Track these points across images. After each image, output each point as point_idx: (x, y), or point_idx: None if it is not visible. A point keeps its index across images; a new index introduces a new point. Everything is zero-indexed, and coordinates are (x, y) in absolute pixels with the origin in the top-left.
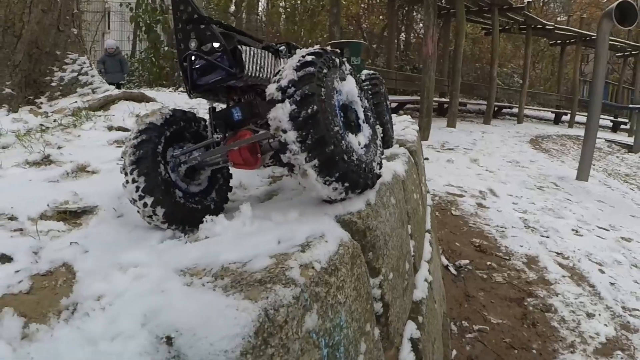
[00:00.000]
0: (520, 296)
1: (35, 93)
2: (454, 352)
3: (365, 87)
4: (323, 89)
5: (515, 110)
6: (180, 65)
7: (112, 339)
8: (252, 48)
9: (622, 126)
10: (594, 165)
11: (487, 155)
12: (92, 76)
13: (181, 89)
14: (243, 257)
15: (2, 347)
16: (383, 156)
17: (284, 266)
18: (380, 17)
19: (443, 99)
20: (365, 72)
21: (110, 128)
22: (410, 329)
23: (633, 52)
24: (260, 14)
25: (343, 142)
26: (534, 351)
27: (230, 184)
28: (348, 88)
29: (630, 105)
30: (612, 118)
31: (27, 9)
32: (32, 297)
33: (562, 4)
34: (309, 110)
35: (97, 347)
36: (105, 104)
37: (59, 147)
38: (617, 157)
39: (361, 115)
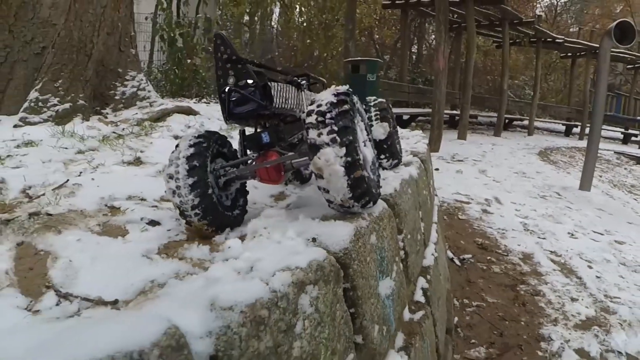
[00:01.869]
0: (514, 283)
1: (101, 105)
2: (456, 319)
3: (373, 113)
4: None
5: (526, 122)
6: (219, 96)
7: (287, 240)
8: (279, 83)
9: (633, 138)
10: (600, 176)
11: (495, 166)
12: (149, 91)
13: (204, 100)
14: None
15: (203, 254)
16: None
17: (362, 213)
18: (392, 28)
19: (454, 112)
20: (371, 99)
21: (175, 137)
22: (422, 282)
23: None
24: (274, 26)
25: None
26: (522, 323)
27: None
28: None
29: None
30: (623, 130)
31: (96, 32)
32: (193, 242)
33: (575, 15)
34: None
35: (280, 244)
36: (162, 116)
37: (142, 151)
38: (625, 168)
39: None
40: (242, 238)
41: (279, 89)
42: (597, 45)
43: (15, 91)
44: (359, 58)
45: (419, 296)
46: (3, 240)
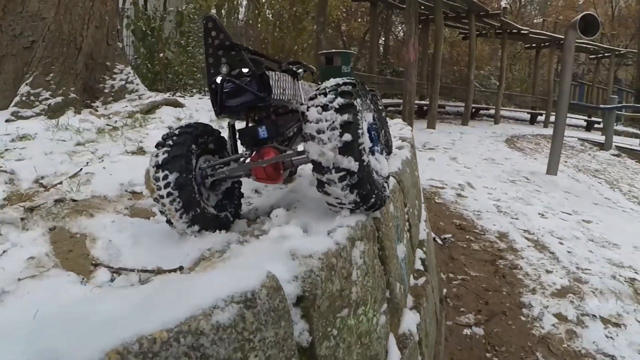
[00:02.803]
0: (493, 258)
1: (91, 98)
2: (445, 291)
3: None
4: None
5: (493, 111)
6: (209, 87)
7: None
8: (277, 72)
9: (596, 125)
10: (566, 162)
11: (465, 153)
12: (137, 84)
13: (179, 93)
14: None
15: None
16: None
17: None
18: (359, 20)
19: (423, 102)
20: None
21: (170, 128)
22: (420, 253)
23: (606, 55)
24: (241, 19)
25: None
26: (504, 292)
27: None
28: (369, 117)
29: (602, 106)
30: (586, 118)
31: (85, 25)
32: None
33: (539, 7)
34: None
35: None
36: (151, 108)
37: (141, 142)
38: (589, 154)
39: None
40: (287, 208)
41: (277, 78)
42: (561, 36)
43: (4, 86)
44: (333, 50)
45: (418, 265)
46: (33, 227)
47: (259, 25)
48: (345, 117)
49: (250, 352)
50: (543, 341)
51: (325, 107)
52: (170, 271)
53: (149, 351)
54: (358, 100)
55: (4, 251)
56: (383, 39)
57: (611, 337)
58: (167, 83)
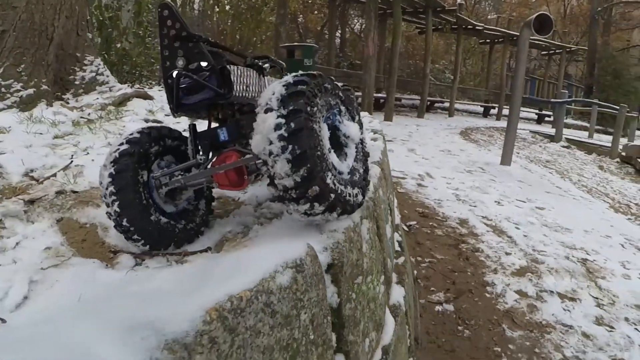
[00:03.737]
0: (456, 243)
1: (61, 90)
2: (415, 272)
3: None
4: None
5: (447, 104)
6: (165, 83)
7: None
8: (239, 67)
9: (547, 118)
10: (518, 153)
11: (422, 145)
12: (107, 76)
13: (137, 86)
14: None
15: None
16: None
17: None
18: (315, 12)
19: (379, 95)
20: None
21: (146, 120)
22: (396, 235)
23: (557, 51)
24: (197, 9)
25: (332, 177)
26: (469, 273)
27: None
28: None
29: (552, 100)
30: (537, 111)
31: (57, 15)
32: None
33: (493, 3)
34: (304, 167)
35: None
36: (123, 100)
37: (120, 134)
38: (540, 146)
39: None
40: None
41: (239, 73)
42: (515, 33)
43: None
44: (295, 43)
45: (396, 246)
46: (38, 219)
47: (216, 16)
48: (293, 125)
49: (301, 309)
50: (507, 314)
51: (269, 110)
52: (199, 252)
53: (237, 307)
54: (315, 90)
55: (17, 243)
56: (339, 31)
57: (568, 310)
58: (124, 74)
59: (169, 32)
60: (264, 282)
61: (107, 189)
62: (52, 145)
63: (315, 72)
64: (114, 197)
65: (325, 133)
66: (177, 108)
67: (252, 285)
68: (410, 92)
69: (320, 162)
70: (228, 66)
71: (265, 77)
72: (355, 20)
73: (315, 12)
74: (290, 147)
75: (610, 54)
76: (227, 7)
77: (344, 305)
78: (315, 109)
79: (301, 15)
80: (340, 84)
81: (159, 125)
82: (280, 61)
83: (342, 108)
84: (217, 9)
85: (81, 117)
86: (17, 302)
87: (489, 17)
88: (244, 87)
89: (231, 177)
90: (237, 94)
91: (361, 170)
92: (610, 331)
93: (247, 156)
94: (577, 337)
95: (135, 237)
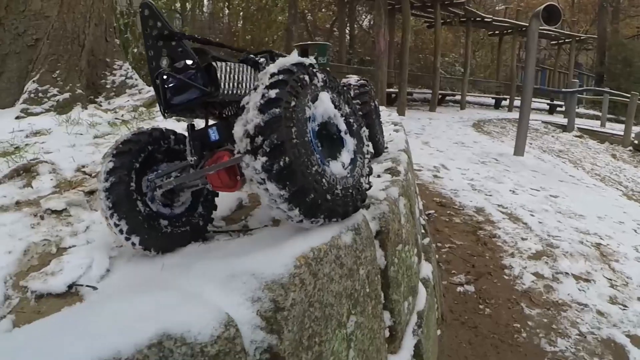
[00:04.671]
0: (474, 230)
1: (94, 94)
2: (436, 256)
3: (355, 94)
4: (294, 129)
5: (458, 97)
6: (153, 84)
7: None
8: (228, 63)
9: (558, 109)
10: (531, 143)
11: (436, 138)
12: (136, 79)
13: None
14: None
15: None
16: (371, 162)
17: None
18: (323, 10)
19: (391, 89)
20: (354, 78)
21: (178, 120)
22: (421, 219)
23: (567, 40)
24: (206, 11)
25: (324, 180)
26: (487, 257)
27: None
28: (322, 108)
29: (564, 90)
30: (548, 101)
31: (87, 23)
32: None
33: None
34: (282, 163)
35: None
36: (152, 102)
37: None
38: (552, 136)
39: (342, 127)
40: None
41: (228, 70)
42: (523, 24)
43: (8, 84)
44: (309, 42)
45: (421, 229)
46: (99, 207)
47: (227, 18)
48: (272, 93)
49: (360, 265)
50: (525, 294)
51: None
52: (261, 227)
53: (317, 257)
54: (301, 78)
55: (86, 227)
56: (348, 28)
57: (583, 290)
58: (142, 78)
59: (151, 32)
60: (334, 239)
61: (103, 203)
62: (95, 144)
63: (304, 62)
64: (115, 220)
65: (312, 127)
66: (166, 109)
67: (327, 240)
68: (421, 86)
69: (302, 156)
70: (215, 63)
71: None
72: (363, 17)
73: (323, 9)
74: (267, 138)
75: (620, 41)
76: (239, 9)
77: (389, 267)
78: (300, 99)
79: (309, 14)
80: (356, 77)
81: (147, 130)
82: (284, 54)
83: (343, 105)
84: (228, 11)
85: (116, 119)
86: (101, 274)
87: (496, 8)
88: (235, 84)
89: (223, 178)
90: (227, 91)
91: (360, 172)
92: (624, 309)
93: (237, 155)
94: (592, 315)
95: (138, 246)
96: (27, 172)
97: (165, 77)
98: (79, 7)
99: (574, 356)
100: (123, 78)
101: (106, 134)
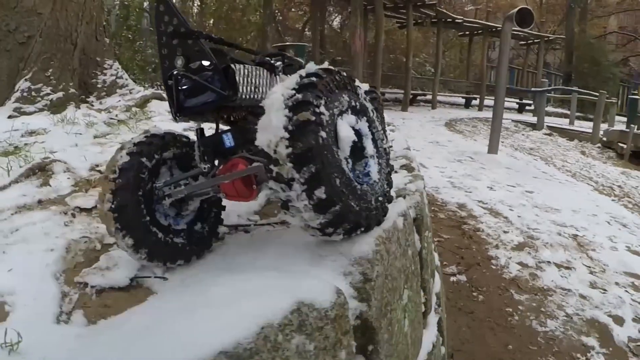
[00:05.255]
0: (458, 224)
1: (85, 93)
2: None
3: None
4: (326, 147)
5: (429, 97)
6: (165, 85)
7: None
8: (246, 66)
9: (528, 107)
10: (502, 142)
11: (411, 138)
12: (126, 79)
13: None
14: None
15: None
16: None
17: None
18: (292, 10)
19: None
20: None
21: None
22: None
23: (535, 41)
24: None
25: (352, 195)
26: (474, 249)
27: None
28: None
29: (533, 89)
30: (518, 100)
31: (79, 21)
32: None
33: None
34: (316, 186)
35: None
36: (144, 102)
37: None
38: (523, 134)
39: (369, 145)
40: None
41: (246, 73)
42: (493, 25)
43: None
44: (287, 43)
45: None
46: None
47: (198, 17)
48: (301, 96)
49: (407, 246)
50: (513, 282)
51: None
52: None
53: (388, 237)
54: (329, 85)
55: None
56: (319, 28)
57: (565, 277)
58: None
59: (166, 29)
60: (394, 223)
61: (112, 225)
62: (98, 144)
63: (330, 67)
64: (122, 233)
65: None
66: (178, 112)
67: (391, 224)
68: (392, 86)
69: (330, 164)
70: (233, 65)
71: (278, 77)
72: (334, 17)
73: (292, 9)
74: (295, 144)
75: (588, 41)
76: (211, 6)
77: (422, 250)
78: (328, 104)
79: (279, 15)
80: (366, 85)
81: (145, 138)
82: (299, 59)
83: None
84: (197, 10)
85: (111, 119)
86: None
87: (465, 9)
88: (252, 88)
89: (238, 187)
90: (244, 96)
91: (383, 178)
92: (604, 293)
93: (255, 164)
94: (575, 298)
95: (146, 260)
96: (41, 171)
97: (179, 78)
98: (71, 5)
99: (564, 335)
100: (113, 78)
101: (106, 133)
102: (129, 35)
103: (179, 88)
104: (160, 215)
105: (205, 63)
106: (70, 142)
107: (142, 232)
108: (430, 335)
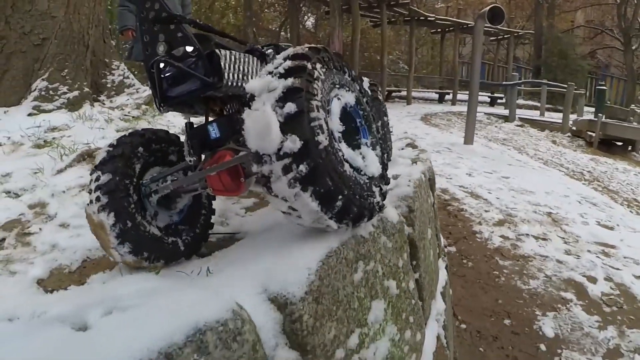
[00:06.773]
0: (444, 206)
1: (96, 92)
2: None
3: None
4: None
5: (404, 93)
6: (148, 72)
7: (401, 160)
8: (233, 52)
9: (499, 101)
10: (477, 133)
11: None
12: (132, 79)
13: None
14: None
15: None
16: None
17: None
18: (266, 10)
19: None
20: (365, 80)
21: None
22: None
23: (505, 36)
24: None
25: (353, 184)
26: (459, 226)
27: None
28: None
29: (504, 83)
30: (489, 94)
31: (90, 24)
32: None
33: None
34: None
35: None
36: (150, 100)
37: (174, 125)
38: (496, 126)
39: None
40: None
41: (232, 59)
42: (465, 22)
43: (13, 82)
44: (270, 43)
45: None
46: None
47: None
48: (290, 82)
49: (426, 196)
50: (497, 251)
51: (270, 74)
52: None
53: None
54: (318, 66)
55: None
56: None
57: (543, 246)
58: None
59: (147, 14)
60: (420, 176)
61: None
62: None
63: (319, 46)
64: (114, 234)
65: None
66: (162, 101)
67: (419, 176)
68: None
69: (324, 150)
70: (218, 50)
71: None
72: (306, 17)
73: (266, 10)
74: (288, 134)
75: (556, 35)
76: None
77: (434, 204)
78: (319, 88)
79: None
80: (367, 80)
81: (130, 135)
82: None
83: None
84: None
85: (124, 115)
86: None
87: (436, 6)
88: (240, 76)
89: (225, 180)
90: (231, 83)
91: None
92: (578, 258)
93: (242, 153)
94: (553, 263)
95: (140, 257)
96: (89, 157)
97: (161, 65)
98: (83, 9)
99: (545, 291)
100: (121, 78)
101: (126, 128)
102: (113, 40)
103: (162, 76)
104: (154, 215)
105: (189, 49)
106: (97, 135)
107: (140, 241)
108: (443, 273)
